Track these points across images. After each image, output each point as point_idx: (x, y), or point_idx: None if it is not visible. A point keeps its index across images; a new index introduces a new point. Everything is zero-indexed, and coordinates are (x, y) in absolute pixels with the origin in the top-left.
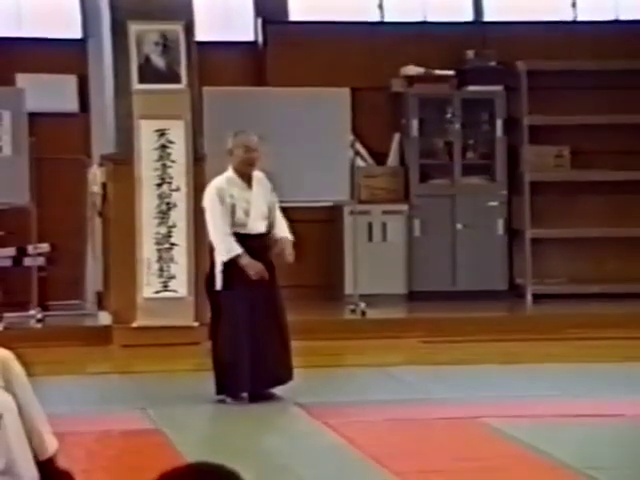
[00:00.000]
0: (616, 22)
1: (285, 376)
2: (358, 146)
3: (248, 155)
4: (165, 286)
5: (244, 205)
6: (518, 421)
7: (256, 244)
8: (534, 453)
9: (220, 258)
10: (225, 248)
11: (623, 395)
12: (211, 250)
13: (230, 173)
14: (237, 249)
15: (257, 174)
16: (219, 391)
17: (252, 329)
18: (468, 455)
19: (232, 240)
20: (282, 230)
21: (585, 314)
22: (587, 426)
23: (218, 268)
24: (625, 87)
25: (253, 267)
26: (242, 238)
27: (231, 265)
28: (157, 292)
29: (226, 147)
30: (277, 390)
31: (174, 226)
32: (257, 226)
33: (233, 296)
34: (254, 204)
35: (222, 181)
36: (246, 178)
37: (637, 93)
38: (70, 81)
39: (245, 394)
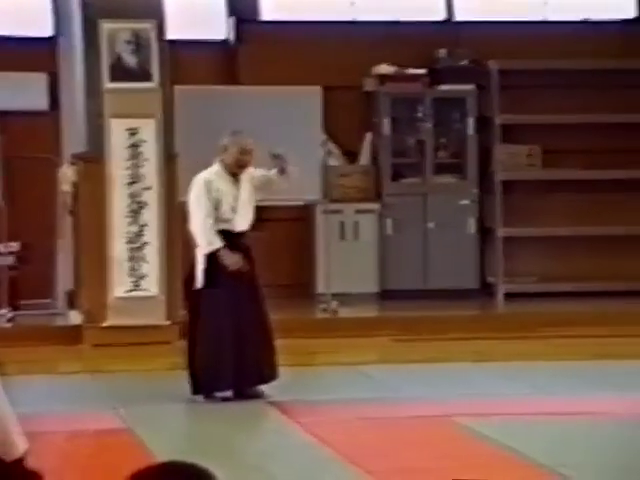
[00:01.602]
0: (586, 22)
1: (269, 374)
2: (330, 145)
3: (242, 157)
4: (136, 285)
5: (231, 201)
6: (490, 419)
7: (239, 241)
8: (505, 451)
9: (201, 250)
10: (206, 240)
11: (594, 393)
12: (193, 248)
13: (218, 168)
14: (218, 242)
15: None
16: (195, 391)
17: (234, 328)
18: (439, 453)
19: (214, 233)
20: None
21: (556, 312)
22: (558, 424)
23: (200, 266)
24: (596, 87)
25: (231, 259)
26: (226, 235)
27: (213, 263)
28: (128, 291)
29: (221, 143)
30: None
31: (145, 225)
32: (241, 224)
33: (214, 295)
34: (242, 202)
35: (210, 174)
36: (235, 175)
37: (608, 92)
38: (40, 79)
39: (220, 394)
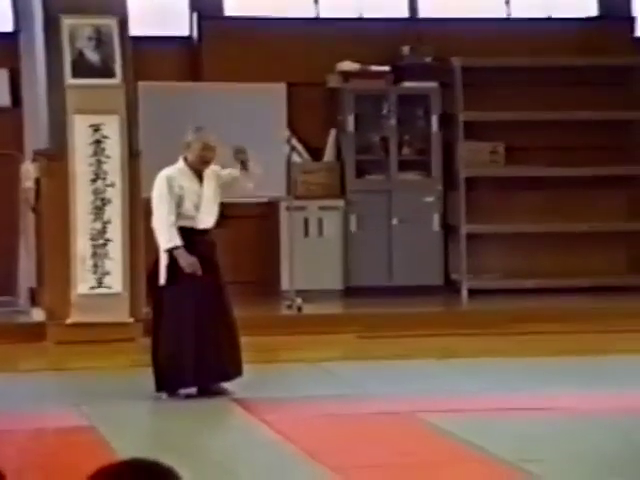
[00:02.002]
0: (549, 19)
1: (233, 372)
2: (294, 142)
3: (205, 153)
4: (100, 282)
5: (194, 198)
6: (454, 416)
7: (203, 239)
8: (469, 447)
9: (161, 247)
10: (166, 237)
11: (559, 389)
12: (156, 245)
13: (182, 165)
14: (177, 241)
15: (207, 170)
16: (159, 388)
17: (197, 324)
18: (404, 450)
19: (174, 231)
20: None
21: (520, 309)
22: (521, 420)
23: (163, 263)
24: (558, 84)
25: (186, 260)
26: (189, 232)
27: (176, 260)
28: (92, 288)
29: (185, 139)
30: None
31: (109, 222)
32: (205, 221)
33: (177, 291)
34: (205, 199)
35: (173, 171)
36: (198, 172)
37: (571, 90)
38: (1, 75)
39: (183, 391)
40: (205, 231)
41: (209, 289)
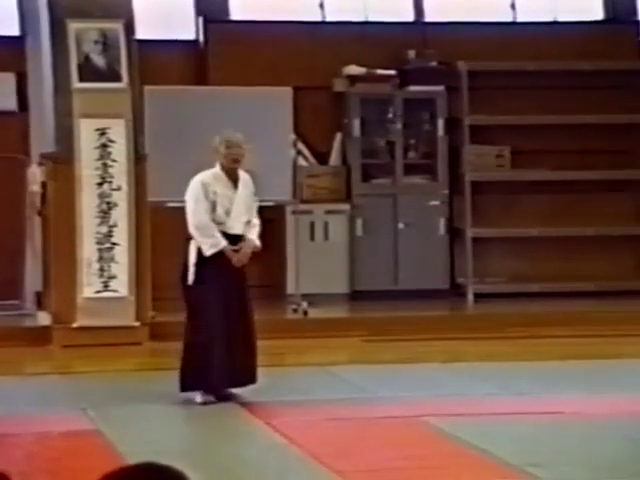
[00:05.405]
0: (554, 23)
1: (247, 378)
2: (300, 145)
3: (231, 151)
4: (106, 286)
5: (226, 204)
6: (459, 419)
7: (232, 244)
8: (475, 451)
9: (206, 252)
10: (211, 243)
11: (564, 393)
12: (185, 245)
13: (217, 170)
14: (222, 242)
15: (244, 176)
16: (183, 388)
17: (223, 325)
18: (409, 454)
19: (215, 232)
20: (252, 233)
21: (525, 313)
22: (527, 424)
23: (191, 262)
24: (564, 88)
25: (235, 254)
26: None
27: (205, 259)
28: (98, 292)
29: (213, 145)
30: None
31: (115, 225)
32: (235, 226)
33: (204, 291)
34: (236, 204)
35: (208, 176)
36: (232, 177)
37: (576, 93)
38: (8, 79)
39: (200, 399)
40: (236, 236)
41: (235, 292)
